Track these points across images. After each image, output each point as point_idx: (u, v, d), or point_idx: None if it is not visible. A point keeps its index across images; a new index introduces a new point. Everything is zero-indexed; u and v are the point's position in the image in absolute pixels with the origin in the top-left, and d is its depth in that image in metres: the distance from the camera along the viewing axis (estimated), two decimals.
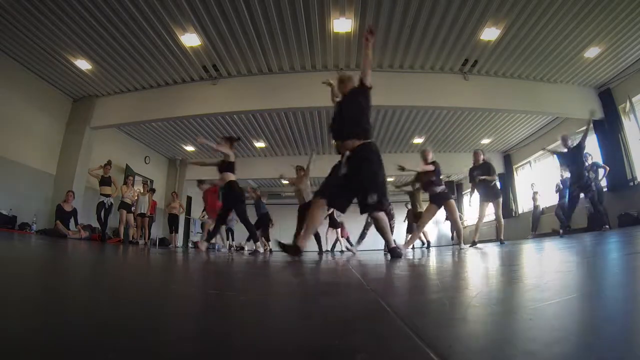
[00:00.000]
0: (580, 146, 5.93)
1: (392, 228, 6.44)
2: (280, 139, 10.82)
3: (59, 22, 5.76)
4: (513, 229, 11.14)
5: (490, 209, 5.96)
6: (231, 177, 4.79)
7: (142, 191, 8.96)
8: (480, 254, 3.20)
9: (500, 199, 5.90)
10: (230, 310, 0.74)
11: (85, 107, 8.26)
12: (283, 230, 7.07)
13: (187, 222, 13.17)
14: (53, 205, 7.29)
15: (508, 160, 12.12)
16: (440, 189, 5.08)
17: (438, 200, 5.10)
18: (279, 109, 8.03)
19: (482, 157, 6.05)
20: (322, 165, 11.15)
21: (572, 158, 6.02)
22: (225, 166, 4.80)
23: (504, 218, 6.16)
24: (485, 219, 6.28)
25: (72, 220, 7.16)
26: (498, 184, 6.19)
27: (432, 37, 6.43)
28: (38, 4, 5.32)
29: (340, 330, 0.54)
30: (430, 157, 5.21)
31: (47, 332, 0.49)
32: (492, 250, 3.57)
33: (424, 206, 8.00)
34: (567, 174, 6.62)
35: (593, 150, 7.87)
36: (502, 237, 5.90)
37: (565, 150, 6.14)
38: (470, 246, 5.37)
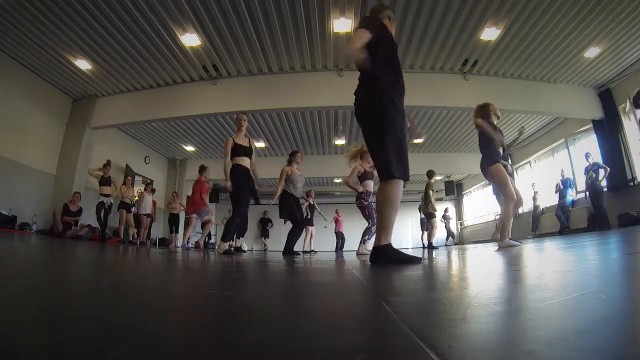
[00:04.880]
0: None
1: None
2: (280, 139, 10.83)
3: (59, 22, 5.77)
4: (513, 228, 11.13)
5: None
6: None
7: (146, 191, 8.99)
8: (480, 254, 3.20)
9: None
10: (229, 310, 0.74)
11: (85, 107, 8.26)
12: (283, 229, 7.04)
13: (187, 222, 13.16)
14: (53, 206, 7.30)
15: None
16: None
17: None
18: (279, 109, 8.03)
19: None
20: (320, 166, 11.15)
21: None
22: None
23: None
24: (483, 219, 6.00)
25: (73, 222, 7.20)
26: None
27: (432, 37, 6.43)
28: (38, 4, 5.32)
29: (340, 330, 0.54)
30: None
31: (47, 332, 0.49)
32: (492, 251, 3.57)
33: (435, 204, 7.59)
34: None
35: (593, 150, 7.88)
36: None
37: None
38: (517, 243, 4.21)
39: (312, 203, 8.82)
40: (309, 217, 8.71)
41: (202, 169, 7.37)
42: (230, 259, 3.09)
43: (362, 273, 1.67)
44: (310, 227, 8.69)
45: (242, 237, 7.49)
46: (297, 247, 5.48)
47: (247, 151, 4.44)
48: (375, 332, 0.53)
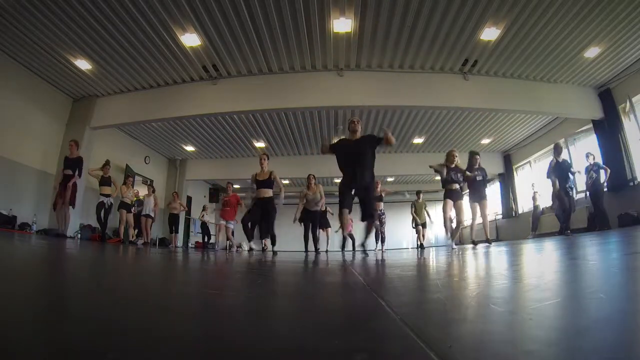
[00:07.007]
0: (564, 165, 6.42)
1: (383, 234, 8.83)
2: (280, 139, 10.82)
3: (59, 22, 5.76)
4: (513, 229, 11.14)
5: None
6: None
7: (147, 193, 9.00)
8: (480, 254, 3.21)
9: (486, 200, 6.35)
10: (230, 310, 0.74)
11: (85, 107, 8.25)
12: (282, 230, 7.03)
13: (187, 222, 13.18)
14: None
15: (508, 160, 12.11)
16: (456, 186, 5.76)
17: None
18: (279, 109, 8.02)
19: (479, 160, 6.25)
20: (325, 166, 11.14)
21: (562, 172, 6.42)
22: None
23: (503, 218, 6.29)
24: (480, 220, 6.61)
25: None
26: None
27: (432, 37, 6.42)
28: (38, 4, 5.31)
29: (340, 330, 0.54)
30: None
31: (48, 332, 0.49)
32: (491, 251, 3.57)
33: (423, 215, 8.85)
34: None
35: (593, 150, 7.87)
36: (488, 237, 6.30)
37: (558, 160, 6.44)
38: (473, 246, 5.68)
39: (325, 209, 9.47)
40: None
41: (231, 185, 8.86)
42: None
43: (363, 274, 1.67)
44: (328, 229, 9.52)
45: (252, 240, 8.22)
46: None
47: (265, 183, 5.51)
48: (376, 332, 0.53)
